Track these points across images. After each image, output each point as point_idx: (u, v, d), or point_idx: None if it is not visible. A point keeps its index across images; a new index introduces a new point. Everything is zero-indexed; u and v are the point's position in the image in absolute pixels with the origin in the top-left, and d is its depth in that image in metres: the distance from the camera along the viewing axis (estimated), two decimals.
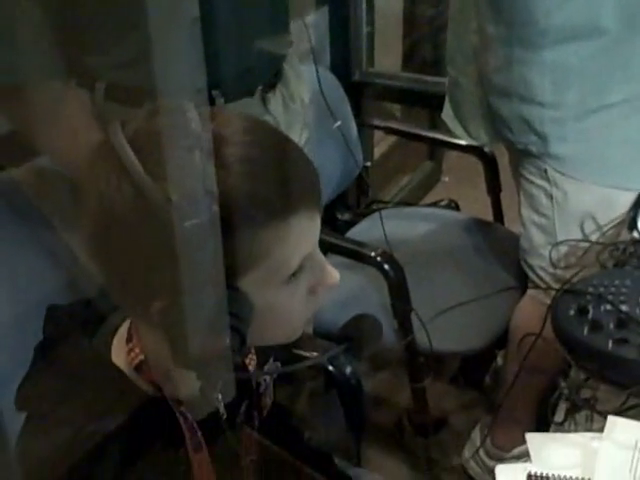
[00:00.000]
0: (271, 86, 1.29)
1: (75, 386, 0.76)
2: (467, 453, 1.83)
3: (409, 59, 2.88)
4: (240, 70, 1.19)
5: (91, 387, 0.76)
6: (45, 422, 0.74)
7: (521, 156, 1.50)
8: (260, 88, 1.25)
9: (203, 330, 0.65)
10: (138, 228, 0.64)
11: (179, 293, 0.63)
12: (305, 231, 0.72)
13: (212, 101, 1.14)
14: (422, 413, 1.71)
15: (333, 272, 0.77)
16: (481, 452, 1.78)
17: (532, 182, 1.50)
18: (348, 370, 1.36)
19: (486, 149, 1.92)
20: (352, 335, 0.81)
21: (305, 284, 0.75)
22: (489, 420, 1.78)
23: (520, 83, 1.39)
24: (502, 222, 2.03)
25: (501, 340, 1.66)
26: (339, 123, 1.70)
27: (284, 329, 0.78)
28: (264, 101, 1.27)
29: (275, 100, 1.30)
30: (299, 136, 1.37)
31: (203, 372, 0.68)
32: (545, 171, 1.45)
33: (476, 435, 1.83)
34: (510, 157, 1.63)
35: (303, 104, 1.39)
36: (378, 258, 1.51)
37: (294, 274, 0.72)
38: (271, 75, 1.30)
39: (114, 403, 0.76)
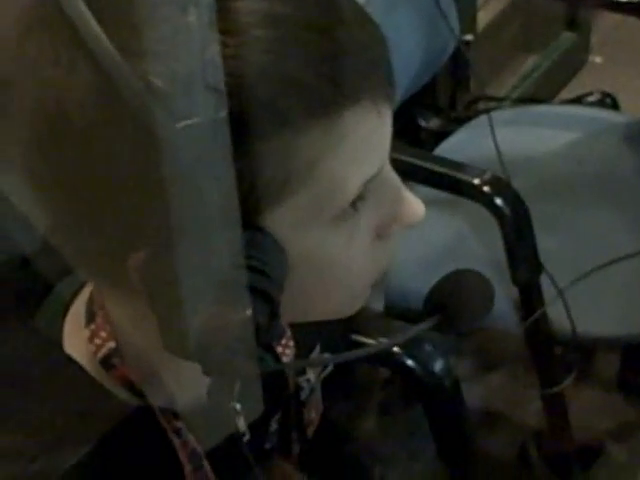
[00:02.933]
0: None
1: (8, 392, 0.77)
2: None
3: None
4: None
5: (34, 394, 0.77)
6: None
7: None
8: None
9: (209, 294, 0.66)
10: (102, 133, 0.64)
11: (170, 237, 0.63)
12: (368, 135, 0.71)
13: None
14: (560, 435, 1.72)
15: (414, 202, 0.77)
16: None
17: None
18: (439, 367, 1.36)
19: None
20: (445, 303, 0.81)
21: (370, 222, 0.75)
22: None
23: None
24: None
25: None
26: None
27: (337, 294, 0.78)
28: None
29: None
30: None
31: (211, 363, 0.68)
32: None
33: None
34: None
35: None
36: (486, 188, 1.51)
37: (352, 205, 0.72)
38: None
39: (71, 418, 0.77)
